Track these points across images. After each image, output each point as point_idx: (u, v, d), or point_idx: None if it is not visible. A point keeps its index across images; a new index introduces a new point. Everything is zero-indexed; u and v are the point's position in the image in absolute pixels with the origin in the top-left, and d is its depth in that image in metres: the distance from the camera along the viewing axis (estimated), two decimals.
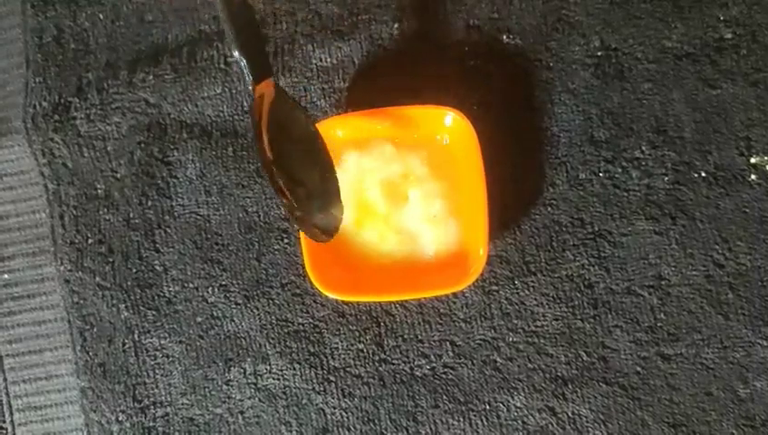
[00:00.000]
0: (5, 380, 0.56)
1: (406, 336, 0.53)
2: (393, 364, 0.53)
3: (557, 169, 0.53)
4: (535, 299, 0.52)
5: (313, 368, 0.53)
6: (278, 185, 0.43)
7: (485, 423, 0.52)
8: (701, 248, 0.51)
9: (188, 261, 0.54)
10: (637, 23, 0.53)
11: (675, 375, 0.51)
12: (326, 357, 0.53)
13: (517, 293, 0.52)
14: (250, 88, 0.44)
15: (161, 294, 0.54)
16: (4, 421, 0.56)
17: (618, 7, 0.53)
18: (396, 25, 0.54)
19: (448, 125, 0.51)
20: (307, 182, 0.45)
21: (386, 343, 0.53)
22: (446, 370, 0.52)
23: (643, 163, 0.52)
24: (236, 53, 0.43)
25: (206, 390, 0.54)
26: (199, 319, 0.54)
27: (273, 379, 0.53)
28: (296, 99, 0.47)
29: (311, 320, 0.53)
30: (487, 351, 0.52)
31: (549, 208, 0.53)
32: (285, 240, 0.54)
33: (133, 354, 0.54)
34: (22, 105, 0.56)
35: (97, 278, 0.55)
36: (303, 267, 0.50)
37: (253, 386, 0.53)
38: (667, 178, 0.52)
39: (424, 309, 0.53)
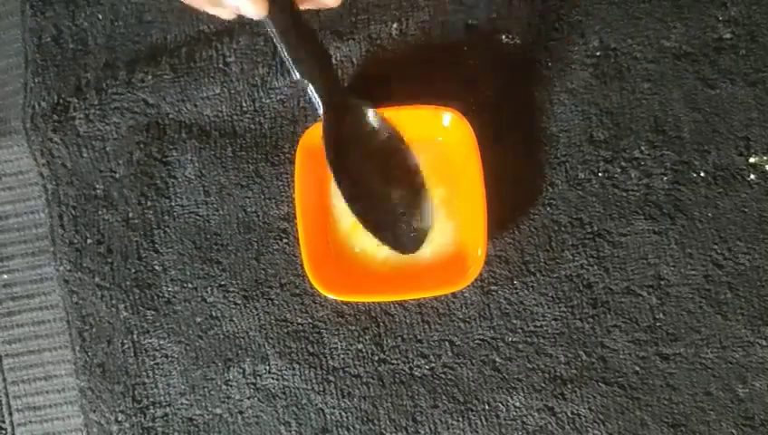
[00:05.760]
0: (5, 380, 0.56)
1: (405, 336, 0.53)
2: (392, 364, 0.53)
3: (556, 169, 0.53)
4: (534, 299, 0.52)
5: (313, 368, 0.53)
6: (348, 195, 0.42)
7: (485, 423, 0.52)
8: (700, 248, 0.51)
9: (187, 261, 0.54)
10: (636, 22, 0.53)
11: (674, 375, 0.51)
12: (325, 357, 0.53)
13: (516, 293, 0.52)
14: (319, 113, 0.40)
15: (160, 294, 0.54)
16: (4, 422, 0.56)
17: (616, 7, 0.53)
18: (395, 25, 0.54)
19: (447, 125, 0.51)
20: (379, 192, 0.44)
21: (385, 343, 0.53)
22: (445, 370, 0.52)
23: (642, 163, 0.52)
24: (297, 76, 0.39)
25: (206, 390, 0.54)
26: (198, 319, 0.54)
27: (273, 379, 0.53)
28: (376, 112, 0.45)
29: (310, 320, 0.53)
30: (486, 351, 0.52)
31: (548, 208, 0.52)
32: (284, 240, 0.54)
33: (132, 354, 0.54)
34: (21, 105, 0.56)
35: (96, 278, 0.55)
36: (302, 267, 0.50)
37: (252, 386, 0.53)
38: (666, 178, 0.52)
39: (423, 309, 0.53)
